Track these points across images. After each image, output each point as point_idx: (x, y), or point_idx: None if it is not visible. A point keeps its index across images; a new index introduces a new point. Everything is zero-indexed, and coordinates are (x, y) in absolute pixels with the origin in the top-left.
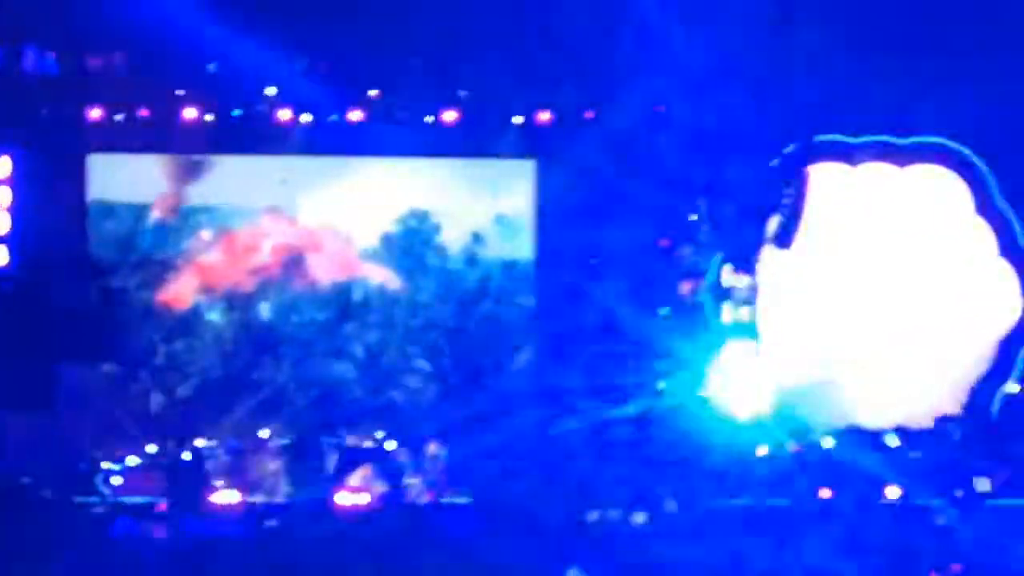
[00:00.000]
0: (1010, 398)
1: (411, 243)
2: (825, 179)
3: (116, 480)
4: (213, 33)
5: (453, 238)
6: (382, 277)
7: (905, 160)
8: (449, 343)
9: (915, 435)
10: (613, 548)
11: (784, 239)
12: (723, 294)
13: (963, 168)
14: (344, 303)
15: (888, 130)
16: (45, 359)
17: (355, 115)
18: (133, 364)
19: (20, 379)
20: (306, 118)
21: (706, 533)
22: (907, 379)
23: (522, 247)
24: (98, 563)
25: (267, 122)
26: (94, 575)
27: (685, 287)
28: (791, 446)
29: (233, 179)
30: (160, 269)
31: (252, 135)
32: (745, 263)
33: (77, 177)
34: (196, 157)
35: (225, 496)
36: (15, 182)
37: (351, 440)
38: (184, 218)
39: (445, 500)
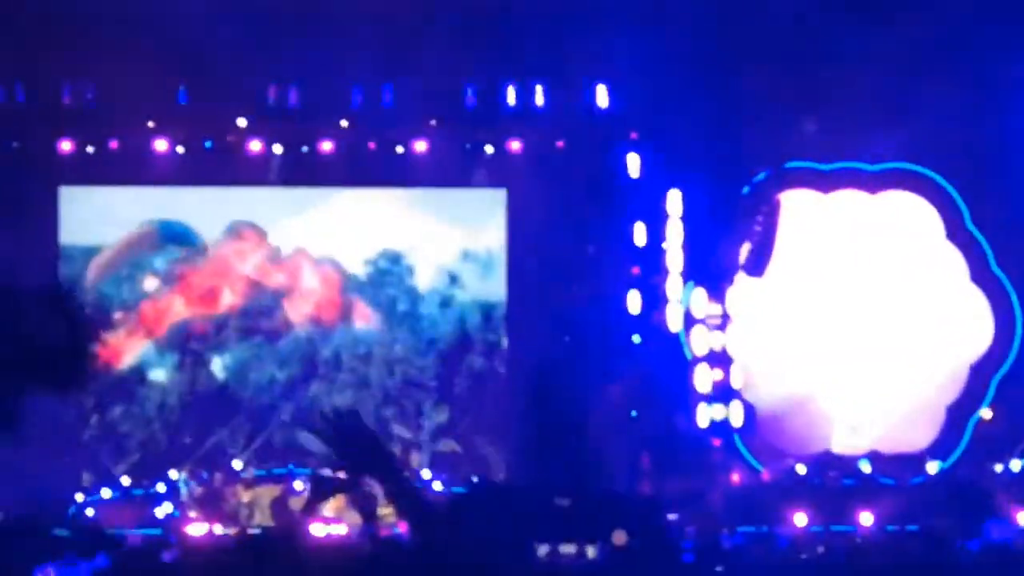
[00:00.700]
0: (983, 424)
1: (384, 284)
2: (797, 206)
3: (89, 512)
4: (185, 63)
5: (426, 279)
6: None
7: (876, 186)
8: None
9: (888, 461)
10: None
11: (756, 266)
12: (695, 322)
13: (934, 193)
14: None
15: (859, 156)
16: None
17: (326, 145)
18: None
19: None
20: (278, 149)
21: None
22: (880, 405)
23: (496, 286)
24: None
25: (239, 153)
26: None
27: (657, 316)
28: (764, 473)
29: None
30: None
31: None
32: (717, 291)
33: (49, 209)
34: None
35: (199, 528)
36: None
37: (325, 470)
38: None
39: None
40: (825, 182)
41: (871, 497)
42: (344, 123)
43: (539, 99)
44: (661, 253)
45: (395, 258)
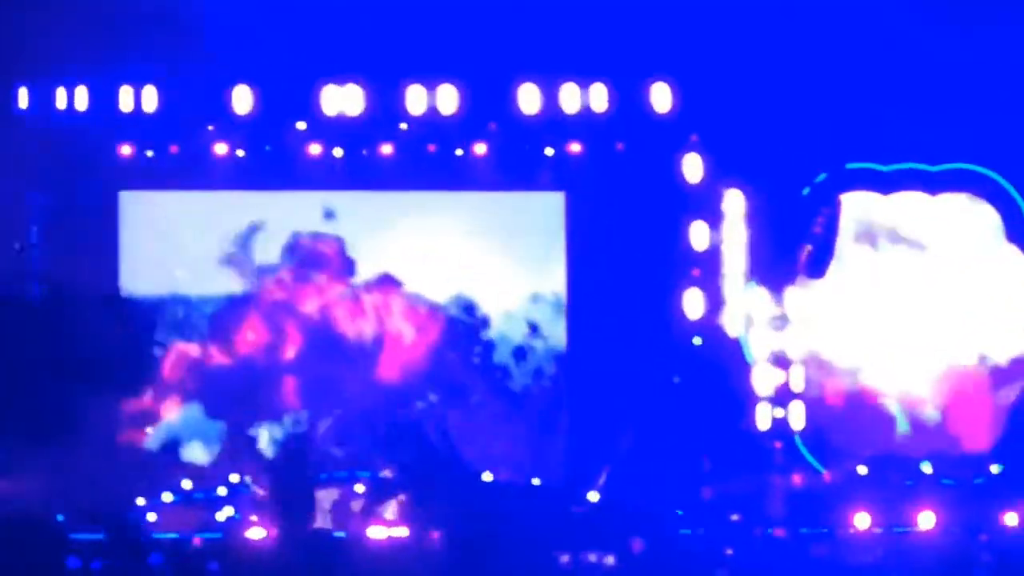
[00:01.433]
0: None
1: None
2: (857, 207)
3: (151, 516)
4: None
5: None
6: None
7: (936, 187)
8: None
9: (950, 462)
10: None
11: (816, 268)
12: (755, 324)
13: (994, 194)
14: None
15: (919, 157)
16: (76, 393)
17: (386, 149)
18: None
19: (52, 414)
20: (338, 152)
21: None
22: (942, 407)
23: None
24: None
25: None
26: None
27: (717, 318)
28: (826, 474)
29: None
30: None
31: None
32: (777, 293)
33: (109, 214)
34: None
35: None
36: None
37: (384, 472)
38: None
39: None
40: (885, 183)
41: (933, 498)
42: (403, 126)
43: (599, 101)
44: (721, 255)
45: (469, 308)
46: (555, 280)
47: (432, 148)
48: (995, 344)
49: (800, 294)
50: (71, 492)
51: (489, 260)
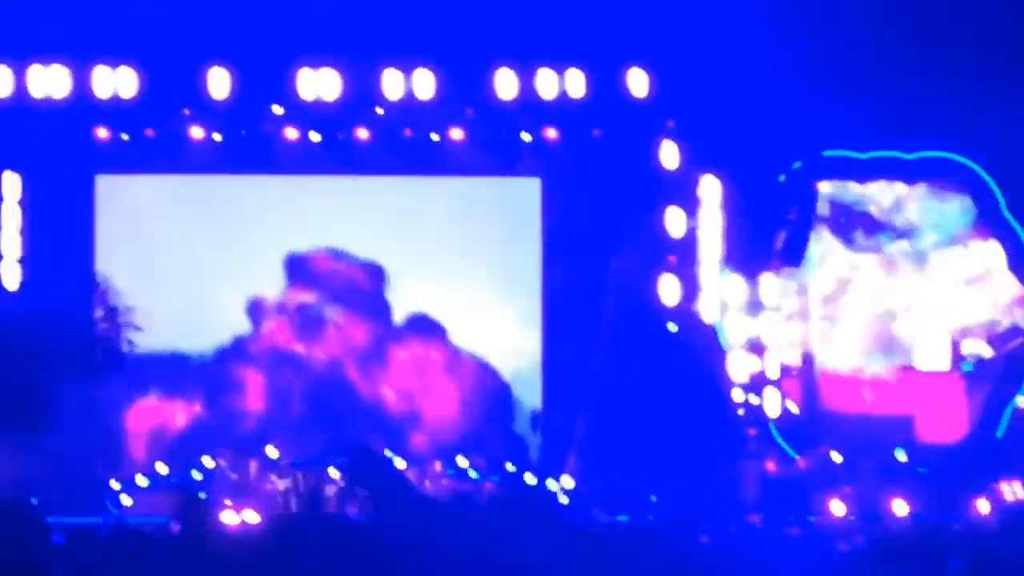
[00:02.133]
0: (1019, 413)
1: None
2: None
3: (126, 500)
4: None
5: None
6: None
7: (912, 175)
8: None
9: (923, 450)
10: None
11: (791, 255)
12: (731, 311)
13: (970, 182)
14: None
15: (895, 145)
16: (51, 378)
17: (362, 133)
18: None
19: (25, 398)
20: (314, 137)
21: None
22: (915, 394)
23: None
24: None
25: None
26: None
27: (693, 304)
28: (800, 461)
29: None
30: None
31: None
32: (753, 279)
33: (85, 198)
34: None
35: (232, 515)
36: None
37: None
38: None
39: None
40: (861, 171)
41: (907, 486)
42: (380, 111)
43: (576, 87)
44: (697, 242)
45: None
46: (530, 266)
47: (408, 133)
48: (970, 330)
49: (776, 281)
50: (46, 475)
51: (464, 244)
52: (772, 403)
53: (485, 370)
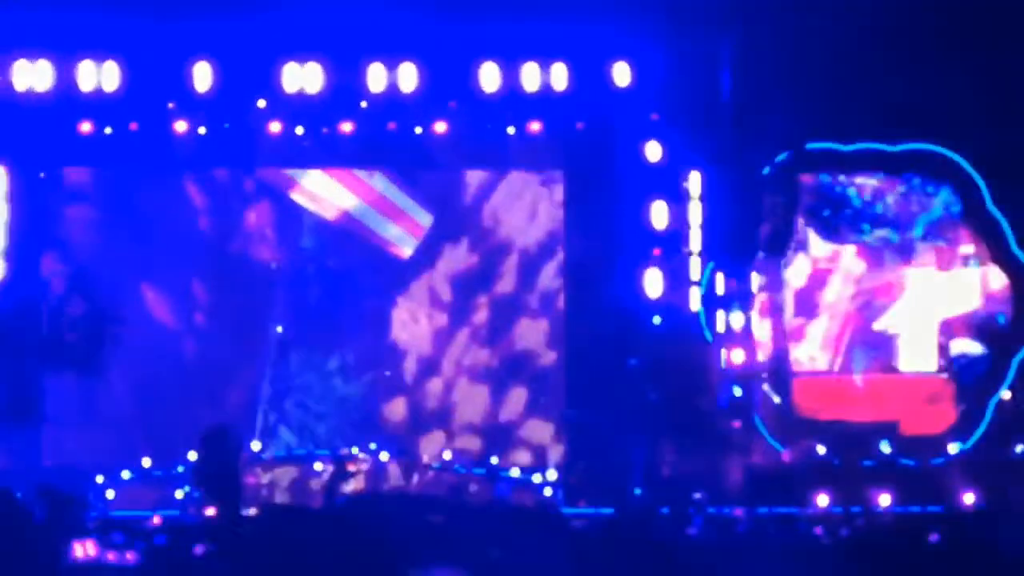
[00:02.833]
0: (1003, 405)
1: None
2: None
3: (110, 494)
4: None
5: None
6: None
7: (897, 167)
8: None
9: (907, 442)
10: None
11: (776, 247)
12: (717, 302)
13: (955, 175)
14: None
15: (880, 137)
16: (35, 370)
17: (346, 127)
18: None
19: (9, 391)
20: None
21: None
22: (900, 386)
23: None
24: None
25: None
26: None
27: (678, 297)
28: (784, 453)
29: None
30: None
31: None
32: (738, 272)
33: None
34: None
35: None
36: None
37: (344, 451)
38: None
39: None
40: (846, 163)
41: (891, 478)
42: (364, 104)
43: (559, 80)
44: (682, 234)
45: None
46: None
47: (392, 126)
48: (955, 324)
49: (760, 273)
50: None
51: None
52: (756, 395)
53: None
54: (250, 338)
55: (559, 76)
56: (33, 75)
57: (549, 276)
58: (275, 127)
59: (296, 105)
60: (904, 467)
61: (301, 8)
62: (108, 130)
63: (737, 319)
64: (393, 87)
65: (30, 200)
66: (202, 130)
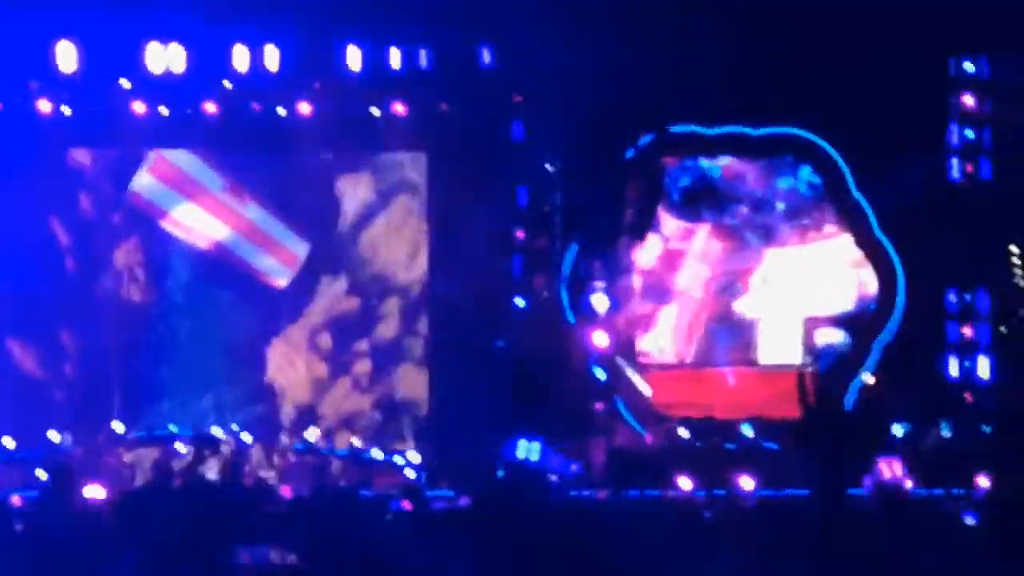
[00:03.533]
0: (864, 388)
1: None
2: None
3: None
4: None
5: None
6: None
7: (759, 151)
8: None
9: (770, 426)
10: None
11: (639, 230)
12: (579, 286)
13: (818, 159)
14: None
15: (742, 121)
16: None
17: (211, 107)
18: None
19: None
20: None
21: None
22: (761, 381)
23: None
24: None
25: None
26: None
27: (540, 279)
28: (647, 436)
29: None
30: None
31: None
32: (600, 254)
33: None
34: None
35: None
36: None
37: (207, 432)
38: None
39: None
40: (708, 146)
41: (753, 462)
42: (227, 84)
43: (423, 61)
44: (544, 216)
45: None
46: None
47: (257, 107)
48: (818, 307)
49: (622, 256)
50: None
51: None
52: (618, 378)
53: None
54: (122, 382)
55: (424, 57)
56: None
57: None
58: (139, 107)
59: (160, 85)
60: (767, 451)
61: None
62: None
63: (600, 301)
64: (257, 68)
65: None
66: (66, 109)
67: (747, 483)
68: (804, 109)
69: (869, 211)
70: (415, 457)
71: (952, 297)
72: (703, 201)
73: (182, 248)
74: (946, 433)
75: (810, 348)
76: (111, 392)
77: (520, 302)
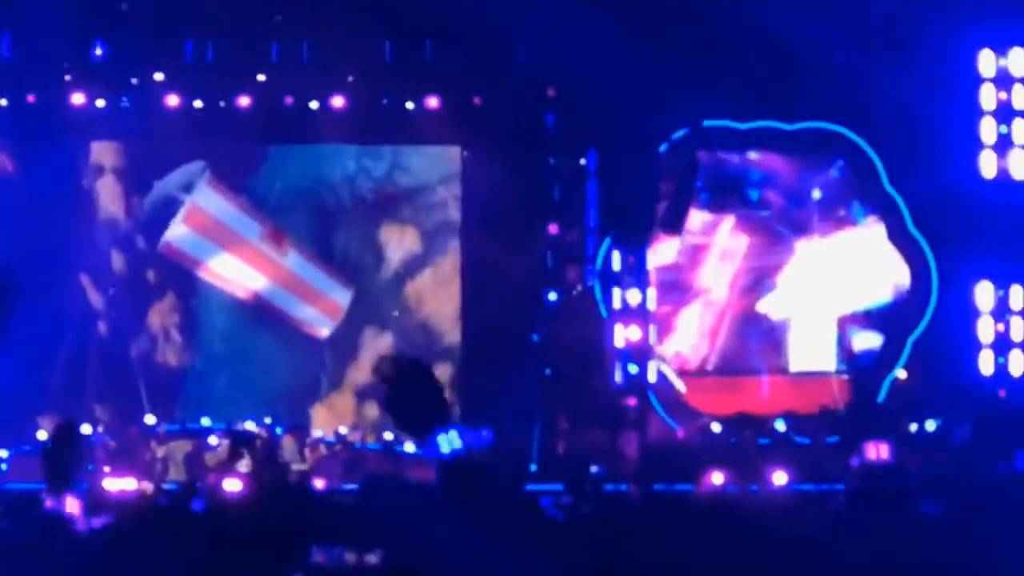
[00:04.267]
0: (897, 384)
1: None
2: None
3: (2, 467)
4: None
5: None
6: None
7: (793, 145)
8: None
9: (803, 421)
10: None
11: (672, 224)
12: (612, 279)
13: (851, 154)
14: None
15: (776, 115)
16: None
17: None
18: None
19: None
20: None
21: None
22: (800, 361)
23: None
24: None
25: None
26: None
27: (574, 273)
28: (679, 431)
29: None
30: None
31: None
32: (634, 248)
33: None
34: None
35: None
36: None
37: (238, 425)
38: None
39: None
40: (742, 140)
41: (786, 456)
42: (261, 77)
43: (457, 55)
44: (578, 210)
45: None
46: None
47: (289, 101)
48: (851, 302)
49: (656, 250)
50: None
51: None
52: (652, 372)
53: None
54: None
55: (458, 51)
56: None
57: None
58: (172, 100)
59: (194, 78)
60: (799, 445)
61: None
62: None
63: (633, 296)
64: (291, 60)
65: None
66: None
67: (780, 478)
68: (837, 103)
69: (902, 206)
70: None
71: (984, 293)
72: (729, 192)
73: (220, 299)
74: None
75: (845, 352)
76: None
77: (552, 296)
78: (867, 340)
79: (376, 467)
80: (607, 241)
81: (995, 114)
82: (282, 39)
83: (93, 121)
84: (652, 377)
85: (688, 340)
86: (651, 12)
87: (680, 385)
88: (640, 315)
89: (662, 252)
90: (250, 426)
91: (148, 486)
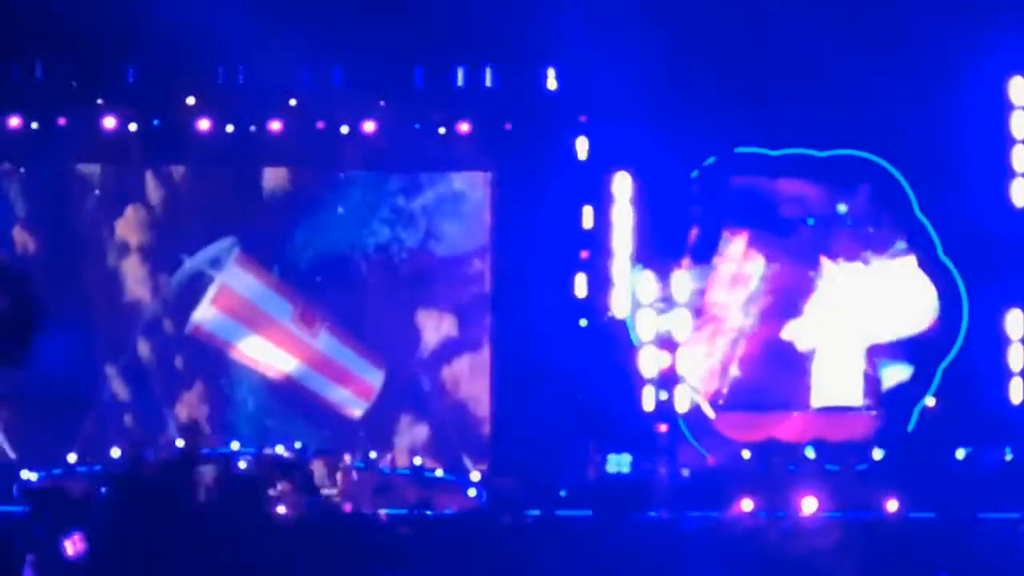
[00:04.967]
0: (927, 412)
1: None
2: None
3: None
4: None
5: None
6: None
7: (824, 173)
8: None
9: (832, 448)
10: None
11: (703, 251)
12: (642, 306)
13: (882, 181)
14: None
15: (808, 143)
16: None
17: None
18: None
19: None
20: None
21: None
22: (825, 395)
23: None
24: None
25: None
26: None
27: (604, 299)
28: (710, 458)
29: None
30: None
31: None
32: (664, 275)
33: None
34: None
35: None
36: None
37: (269, 450)
38: None
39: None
40: (773, 168)
41: (816, 483)
42: (292, 102)
43: (489, 81)
44: (609, 237)
45: None
46: None
47: (320, 125)
48: (881, 330)
49: (687, 277)
50: None
51: None
52: (682, 399)
53: None
54: None
55: (488, 77)
56: None
57: None
58: (204, 124)
59: (224, 102)
60: (829, 472)
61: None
62: None
63: (664, 323)
64: (323, 85)
65: None
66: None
67: (810, 505)
68: (868, 131)
69: (933, 234)
70: (475, 476)
71: (1015, 321)
72: (751, 213)
73: (250, 381)
74: (1008, 457)
75: (873, 387)
76: None
77: (583, 323)
78: (896, 374)
79: (405, 492)
80: (638, 267)
81: None
82: (313, 64)
83: (127, 145)
84: (682, 405)
85: (699, 370)
86: (683, 40)
87: (710, 412)
88: (670, 342)
89: (693, 279)
90: (280, 450)
91: None
